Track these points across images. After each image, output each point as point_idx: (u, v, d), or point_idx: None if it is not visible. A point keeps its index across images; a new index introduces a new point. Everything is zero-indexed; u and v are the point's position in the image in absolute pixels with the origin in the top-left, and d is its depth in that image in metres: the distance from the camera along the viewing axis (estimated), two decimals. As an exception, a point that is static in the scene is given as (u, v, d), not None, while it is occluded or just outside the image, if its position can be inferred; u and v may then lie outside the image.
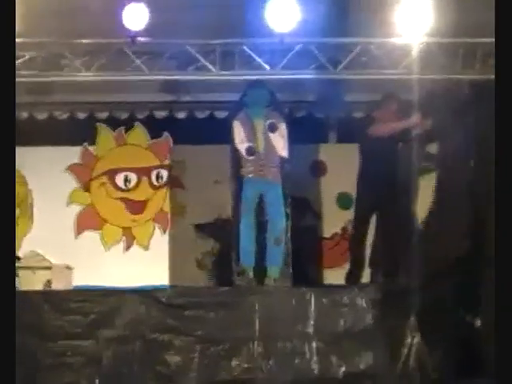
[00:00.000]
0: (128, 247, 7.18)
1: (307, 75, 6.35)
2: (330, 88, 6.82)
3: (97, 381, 5.27)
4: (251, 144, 5.96)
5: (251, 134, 5.97)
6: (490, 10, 5.12)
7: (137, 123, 7.28)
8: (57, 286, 6.10)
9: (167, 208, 7.21)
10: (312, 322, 5.36)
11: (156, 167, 7.26)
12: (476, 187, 6.18)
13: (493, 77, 5.82)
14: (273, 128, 6.00)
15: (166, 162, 7.27)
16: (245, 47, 6.23)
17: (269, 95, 6.09)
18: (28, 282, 6.89)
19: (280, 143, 6.00)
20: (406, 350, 5.30)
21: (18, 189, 7.20)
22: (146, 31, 5.92)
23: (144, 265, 7.02)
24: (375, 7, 5.76)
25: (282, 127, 6.03)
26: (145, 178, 7.23)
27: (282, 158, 6.01)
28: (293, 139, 6.14)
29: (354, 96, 6.94)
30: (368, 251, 6.38)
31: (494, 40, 4.92)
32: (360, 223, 6.34)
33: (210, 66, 6.27)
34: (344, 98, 6.83)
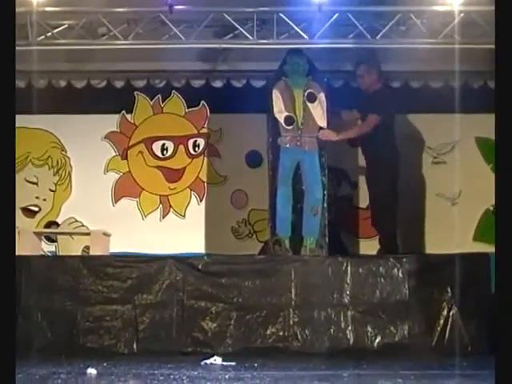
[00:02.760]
0: (164, 215, 7.26)
1: (345, 44, 6.29)
2: (368, 57, 6.73)
3: (134, 345, 5.36)
4: (290, 113, 5.94)
5: (290, 104, 5.95)
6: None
7: (174, 92, 7.31)
8: (95, 251, 6.18)
9: (204, 176, 7.27)
10: (348, 292, 5.38)
11: (193, 136, 7.31)
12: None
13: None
14: (312, 98, 5.97)
15: (203, 130, 7.31)
16: (282, 15, 6.18)
17: (308, 64, 6.05)
18: (66, 247, 7.05)
19: (318, 113, 5.97)
20: (441, 322, 5.30)
21: (57, 156, 7.34)
22: (184, -1, 5.91)
23: (180, 232, 7.10)
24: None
25: (321, 97, 5.99)
26: (182, 147, 7.29)
27: (320, 128, 5.98)
28: (330, 109, 6.11)
29: (392, 65, 6.86)
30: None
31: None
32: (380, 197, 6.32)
33: (247, 35, 6.24)
34: (382, 67, 6.73)
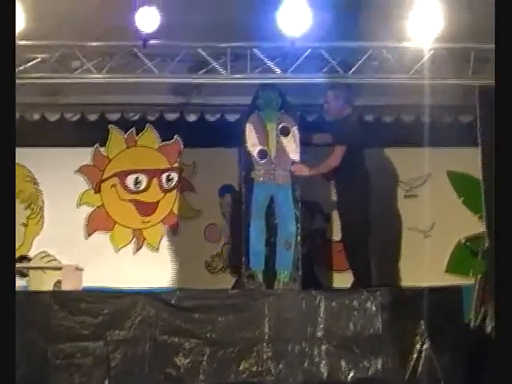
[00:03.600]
0: (138, 249, 7.22)
1: (318, 79, 6.34)
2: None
3: (106, 382, 5.28)
4: (263, 147, 5.98)
5: (264, 138, 6.00)
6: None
7: (148, 125, 7.31)
8: (66, 286, 6.13)
9: (177, 210, 7.25)
10: (321, 326, 5.35)
11: (166, 169, 7.31)
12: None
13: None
14: (285, 132, 6.03)
15: (177, 164, 7.31)
16: (256, 50, 6.23)
17: (281, 98, 6.11)
18: (38, 282, 6.94)
19: (292, 147, 6.02)
20: (415, 356, 5.30)
21: (29, 190, 7.29)
22: (158, 34, 5.92)
23: (153, 266, 7.06)
24: (386, 12, 5.76)
25: (294, 131, 6.04)
26: (155, 180, 7.28)
27: (293, 162, 6.02)
28: (304, 142, 6.15)
29: (364, 100, 6.94)
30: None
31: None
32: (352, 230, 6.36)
33: (221, 69, 6.28)
34: (355, 101, 6.81)
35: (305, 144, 6.20)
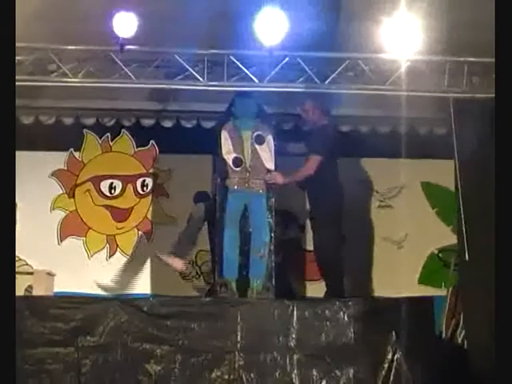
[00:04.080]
0: (111, 255, 7.18)
1: (295, 88, 6.36)
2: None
3: (77, 389, 5.25)
4: (238, 155, 5.98)
5: (238, 145, 5.99)
6: (477, 28, 5.25)
7: (123, 131, 7.29)
8: (38, 291, 6.08)
9: (151, 216, 7.22)
10: (294, 335, 5.36)
11: (141, 175, 7.29)
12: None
13: (477, 95, 6.02)
14: (260, 140, 6.03)
15: (152, 170, 7.29)
16: (233, 58, 6.24)
17: (257, 107, 6.12)
18: (9, 287, 6.87)
19: (267, 155, 6.02)
20: (386, 366, 5.32)
21: (2, 193, 7.21)
22: (135, 39, 5.91)
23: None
24: (364, 23, 5.80)
25: (270, 139, 6.05)
26: (130, 186, 7.26)
27: (268, 171, 6.03)
28: (279, 151, 6.16)
29: (340, 110, 6.97)
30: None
31: (483, 59, 5.10)
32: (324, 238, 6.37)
33: (198, 76, 6.28)
34: (331, 111, 6.84)
35: (280, 153, 6.21)
